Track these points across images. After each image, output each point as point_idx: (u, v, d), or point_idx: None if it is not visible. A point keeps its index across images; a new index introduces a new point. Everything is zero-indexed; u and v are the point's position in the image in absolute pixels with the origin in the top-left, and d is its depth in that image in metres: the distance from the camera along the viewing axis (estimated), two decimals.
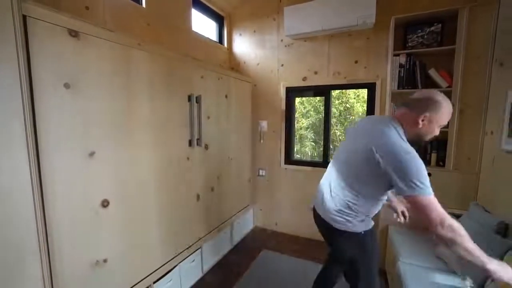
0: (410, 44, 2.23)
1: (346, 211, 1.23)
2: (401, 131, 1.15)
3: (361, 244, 1.26)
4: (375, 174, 1.12)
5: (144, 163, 1.60)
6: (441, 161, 2.19)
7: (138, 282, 1.60)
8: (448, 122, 2.02)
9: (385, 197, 1.28)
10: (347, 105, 3.69)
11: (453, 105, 2.04)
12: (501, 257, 1.35)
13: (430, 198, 1.01)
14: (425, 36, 2.18)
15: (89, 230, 1.30)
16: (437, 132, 1.18)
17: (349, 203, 1.22)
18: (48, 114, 1.12)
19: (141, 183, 1.59)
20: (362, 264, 1.29)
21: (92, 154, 1.29)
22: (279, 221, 3.13)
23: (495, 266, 0.99)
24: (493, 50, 1.88)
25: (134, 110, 1.51)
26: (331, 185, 1.32)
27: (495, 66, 1.86)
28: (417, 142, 1.17)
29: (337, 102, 3.69)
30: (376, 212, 1.29)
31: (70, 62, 1.19)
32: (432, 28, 2.15)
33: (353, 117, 3.70)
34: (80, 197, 1.26)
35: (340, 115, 3.78)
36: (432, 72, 2.14)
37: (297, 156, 3.46)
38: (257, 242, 2.89)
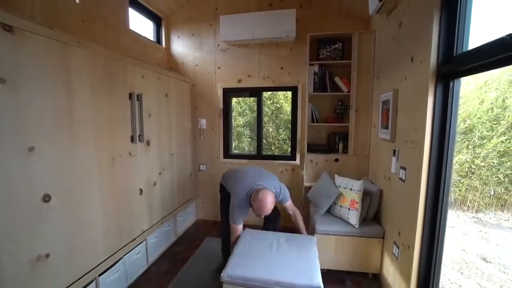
0: (321, 57, 2.80)
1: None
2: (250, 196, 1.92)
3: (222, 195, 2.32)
4: None
5: (86, 158, 1.64)
6: (345, 149, 2.83)
7: (83, 276, 1.63)
8: (349, 119, 2.64)
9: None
10: (278, 105, 4.23)
11: (351, 107, 2.68)
12: None
13: (234, 226, 1.94)
14: (332, 51, 2.78)
15: (30, 225, 1.31)
16: (257, 213, 1.87)
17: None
18: None
19: (84, 177, 1.63)
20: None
21: (31, 149, 1.30)
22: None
23: None
24: (373, 66, 2.57)
25: (75, 107, 1.54)
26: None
27: (374, 78, 2.55)
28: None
29: (269, 102, 4.18)
30: None
31: (5, 57, 1.20)
32: (336, 46, 2.76)
33: (283, 115, 4.25)
34: (20, 192, 1.26)
35: (272, 113, 4.29)
36: (337, 80, 2.75)
37: (235, 151, 3.79)
38: (200, 232, 3.08)
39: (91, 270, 1.69)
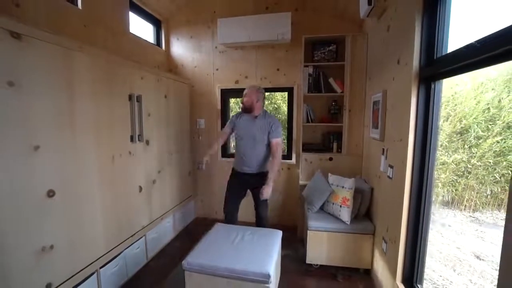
0: (316, 58, 2.87)
1: None
2: None
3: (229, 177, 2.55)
4: None
5: (88, 156, 1.73)
6: (339, 148, 2.90)
7: (85, 267, 1.72)
8: (343, 119, 2.70)
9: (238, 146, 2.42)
10: (275, 105, 4.31)
11: (345, 107, 2.76)
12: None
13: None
14: (326, 53, 2.85)
15: (35, 217, 1.40)
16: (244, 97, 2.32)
17: None
18: None
19: (86, 174, 1.72)
20: None
21: (37, 147, 1.39)
22: (218, 210, 3.46)
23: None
24: (366, 67, 2.63)
25: (77, 107, 1.64)
26: None
27: (367, 79, 2.62)
28: None
29: (266, 102, 4.26)
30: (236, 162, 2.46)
31: (13, 62, 1.29)
32: (330, 48, 2.83)
33: (281, 116, 4.32)
34: (26, 186, 1.35)
35: (270, 113, 4.38)
36: (331, 81, 2.82)
37: (233, 151, 3.85)
38: (199, 229, 3.16)
39: (92, 263, 1.78)
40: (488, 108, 3.11)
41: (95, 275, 1.82)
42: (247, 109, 2.26)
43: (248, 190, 2.44)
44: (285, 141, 3.63)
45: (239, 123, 2.35)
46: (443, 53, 1.39)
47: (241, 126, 2.34)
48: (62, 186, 1.55)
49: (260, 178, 2.28)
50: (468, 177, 3.38)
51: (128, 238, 2.14)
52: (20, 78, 1.31)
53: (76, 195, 1.65)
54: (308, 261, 2.33)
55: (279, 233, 2.08)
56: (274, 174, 2.19)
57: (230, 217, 2.44)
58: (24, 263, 1.35)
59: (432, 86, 1.46)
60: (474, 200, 3.46)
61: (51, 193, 1.48)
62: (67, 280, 1.59)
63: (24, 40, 1.33)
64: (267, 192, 2.13)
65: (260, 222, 2.45)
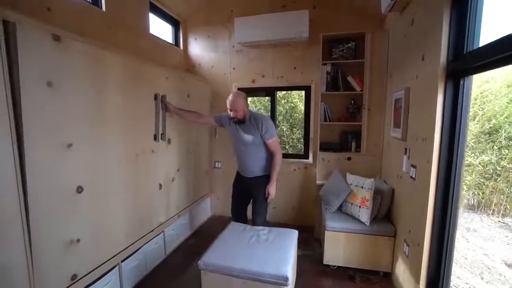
0: (334, 56, 2.82)
1: None
2: None
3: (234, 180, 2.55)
4: None
5: (114, 154, 1.79)
6: (358, 148, 2.83)
7: (108, 260, 1.79)
8: (361, 118, 2.64)
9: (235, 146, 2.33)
10: (292, 104, 4.27)
11: (364, 106, 2.69)
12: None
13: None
14: (344, 51, 2.79)
15: (66, 212, 1.47)
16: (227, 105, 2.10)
17: None
18: (33, 109, 1.26)
19: (112, 171, 1.78)
20: None
21: (70, 145, 1.46)
22: None
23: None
24: (387, 65, 2.55)
25: (105, 107, 1.70)
26: None
27: (388, 76, 2.53)
28: None
29: (283, 101, 4.24)
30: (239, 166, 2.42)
31: (53, 63, 1.35)
32: (349, 45, 2.76)
33: (297, 115, 4.28)
34: (59, 182, 1.42)
35: (286, 113, 4.34)
36: (350, 79, 2.75)
37: None
38: (215, 227, 3.19)
39: (114, 256, 1.84)
40: None
41: (116, 268, 1.88)
42: (241, 120, 2.12)
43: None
44: (302, 140, 3.60)
45: (232, 131, 2.25)
46: (474, 47, 1.31)
47: (234, 134, 2.24)
48: (90, 182, 1.61)
49: (258, 182, 2.26)
50: (497, 180, 3.19)
51: (147, 234, 2.20)
52: (58, 78, 1.37)
53: (101, 191, 1.71)
54: (325, 262, 2.29)
55: (295, 233, 2.06)
56: (275, 172, 2.21)
57: (237, 218, 2.43)
58: (53, 254, 1.42)
59: (461, 82, 1.39)
60: (504, 205, 3.26)
61: (80, 189, 1.54)
62: (91, 272, 1.65)
63: (63, 42, 1.38)
64: (272, 189, 2.20)
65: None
